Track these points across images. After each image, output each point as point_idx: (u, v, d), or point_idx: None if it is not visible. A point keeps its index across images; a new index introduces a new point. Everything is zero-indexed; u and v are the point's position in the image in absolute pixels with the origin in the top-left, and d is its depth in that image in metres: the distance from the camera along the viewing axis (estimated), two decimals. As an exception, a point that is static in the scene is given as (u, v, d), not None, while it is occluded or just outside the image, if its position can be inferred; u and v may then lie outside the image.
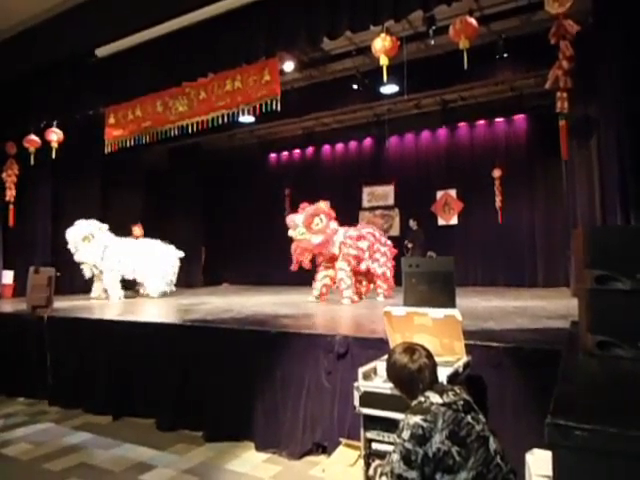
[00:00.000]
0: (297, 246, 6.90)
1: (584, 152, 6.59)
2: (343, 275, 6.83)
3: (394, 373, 2.11)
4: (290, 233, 6.94)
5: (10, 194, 8.86)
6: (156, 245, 9.16)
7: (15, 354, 5.49)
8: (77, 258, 8.17)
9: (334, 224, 6.94)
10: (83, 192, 10.27)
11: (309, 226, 6.67)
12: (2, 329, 5.77)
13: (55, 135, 8.40)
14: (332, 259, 7.01)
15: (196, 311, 5.96)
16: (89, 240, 8.11)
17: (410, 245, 9.69)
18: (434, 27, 6.56)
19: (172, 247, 9.28)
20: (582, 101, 6.35)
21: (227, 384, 4.01)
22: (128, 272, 8.54)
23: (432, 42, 6.94)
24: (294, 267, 7.09)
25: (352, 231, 7.18)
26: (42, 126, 8.43)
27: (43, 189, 9.69)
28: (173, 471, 3.35)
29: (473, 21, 5.55)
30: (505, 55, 7.50)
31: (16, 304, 7.00)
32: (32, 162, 8.51)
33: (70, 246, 8.17)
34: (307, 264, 7.05)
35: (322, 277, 7.20)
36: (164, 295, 8.90)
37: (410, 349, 2.11)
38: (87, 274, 8.44)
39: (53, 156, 8.49)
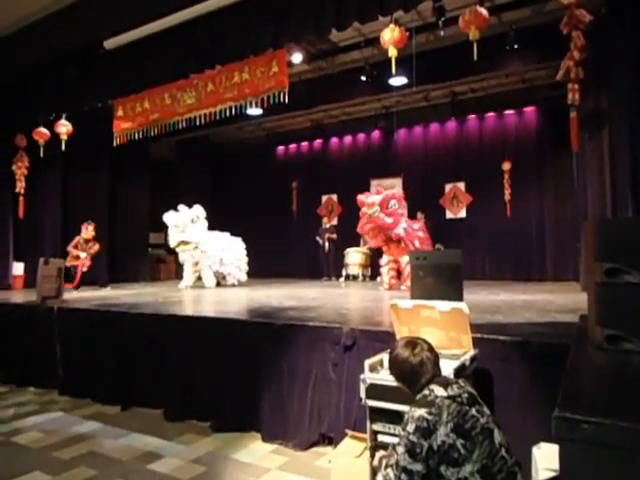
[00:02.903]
0: (368, 222, 7.32)
1: (595, 144, 6.51)
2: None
3: (396, 367, 2.11)
4: (364, 210, 7.37)
5: (20, 186, 8.94)
6: (229, 237, 9.56)
7: (25, 344, 5.56)
8: (181, 238, 8.46)
9: (401, 209, 7.56)
10: (92, 184, 10.36)
11: (385, 207, 7.20)
12: (13, 319, 5.85)
13: (64, 127, 8.45)
14: (397, 243, 7.47)
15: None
16: (195, 222, 8.62)
17: None
18: (444, 18, 6.49)
19: (239, 239, 9.75)
20: (594, 92, 6.25)
21: (234, 375, 4.04)
22: (217, 263, 8.92)
23: (442, 33, 6.86)
24: (376, 244, 7.77)
25: (409, 222, 7.94)
26: (51, 119, 8.48)
27: (53, 181, 9.77)
28: (180, 461, 3.38)
29: (483, 11, 5.48)
30: (516, 46, 7.41)
31: (26, 295, 7.08)
32: (42, 154, 8.57)
33: (173, 228, 8.54)
34: (378, 244, 7.69)
35: (387, 270, 7.70)
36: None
37: (411, 343, 2.11)
38: (185, 258, 8.78)
39: (62, 148, 8.54)
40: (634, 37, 5.29)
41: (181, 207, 8.79)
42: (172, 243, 8.67)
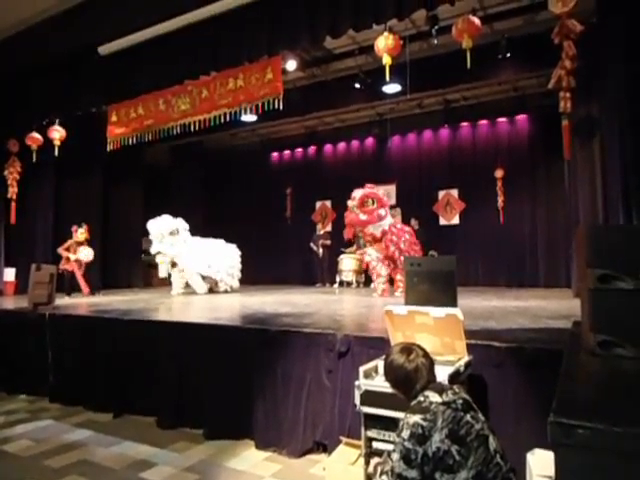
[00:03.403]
0: (347, 216, 7.58)
1: (587, 152, 6.58)
2: (377, 264, 7.52)
3: (391, 373, 2.11)
4: (348, 202, 7.61)
5: (12, 191, 8.88)
6: (222, 244, 9.52)
7: (16, 351, 5.50)
8: (158, 249, 8.43)
9: (383, 211, 7.60)
10: (85, 190, 10.31)
11: (362, 204, 7.39)
12: (4, 326, 5.78)
13: (57, 133, 8.41)
14: (379, 244, 7.54)
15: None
16: (174, 234, 8.53)
17: None
18: (437, 26, 6.57)
19: (234, 246, 9.70)
20: (585, 101, 6.33)
21: (227, 382, 4.01)
22: (204, 269, 8.85)
23: (435, 41, 6.93)
24: (346, 235, 8.13)
25: (397, 224, 8.05)
26: (44, 124, 8.44)
27: (45, 187, 9.72)
28: (173, 469, 3.35)
29: (476, 20, 5.55)
30: (508, 55, 7.49)
31: (18, 301, 7.01)
32: (34, 160, 8.52)
33: (152, 237, 8.50)
34: (349, 236, 8.06)
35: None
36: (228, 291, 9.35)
37: (407, 349, 2.11)
38: (162, 269, 8.72)
39: (55, 154, 8.50)
40: (625, 46, 5.37)
41: (165, 216, 8.68)
42: (152, 251, 8.66)
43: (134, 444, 3.82)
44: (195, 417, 4.12)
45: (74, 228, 8.68)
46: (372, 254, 7.57)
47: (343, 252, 10.32)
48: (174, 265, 8.65)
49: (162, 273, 8.78)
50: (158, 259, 8.62)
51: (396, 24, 6.05)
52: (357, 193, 7.53)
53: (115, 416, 4.51)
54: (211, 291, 9.22)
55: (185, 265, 8.64)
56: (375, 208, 7.47)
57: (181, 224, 8.77)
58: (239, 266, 9.73)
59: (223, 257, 9.28)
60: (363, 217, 7.35)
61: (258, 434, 3.76)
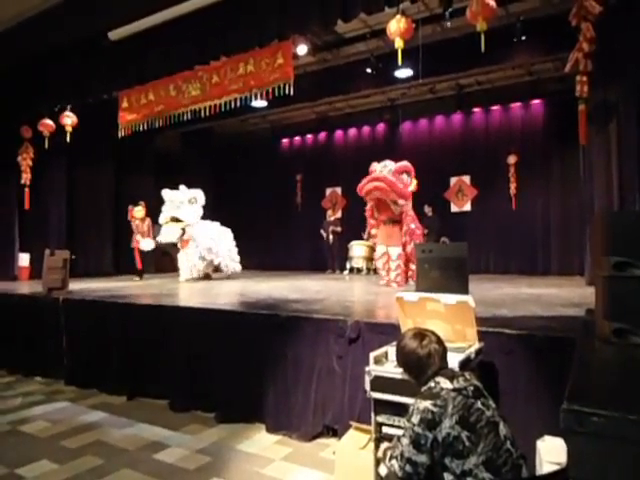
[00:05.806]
0: (375, 179, 6.83)
1: (603, 138, 6.44)
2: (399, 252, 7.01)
3: (403, 358, 2.11)
4: (374, 168, 7.13)
5: (26, 177, 8.95)
6: (221, 228, 9.41)
7: (32, 335, 5.61)
8: (175, 214, 8.40)
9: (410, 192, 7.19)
10: (97, 176, 10.39)
11: (398, 173, 6.98)
12: (19, 310, 5.89)
13: (69, 119, 8.43)
14: (391, 226, 7.07)
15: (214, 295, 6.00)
16: (192, 203, 8.57)
17: (426, 231, 9.60)
18: (450, 9, 6.42)
19: (228, 229, 9.55)
20: (602, 85, 6.17)
21: (239, 367, 4.05)
22: (205, 251, 8.76)
23: (448, 24, 6.79)
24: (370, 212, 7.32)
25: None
26: (56, 110, 8.47)
27: (58, 173, 9.80)
28: (186, 450, 3.41)
29: (491, 2, 5.40)
30: (523, 38, 7.32)
31: (32, 286, 7.12)
32: (47, 146, 8.58)
33: (167, 205, 8.51)
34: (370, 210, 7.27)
35: (382, 264, 7.22)
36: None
37: (420, 334, 2.11)
38: (174, 235, 8.51)
39: (67, 140, 8.54)
40: (644, 29, 5.23)
41: (182, 187, 8.74)
42: (161, 219, 8.48)
43: (147, 426, 3.89)
44: (207, 401, 4.18)
45: (130, 208, 8.89)
46: (393, 251, 7.03)
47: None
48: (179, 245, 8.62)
49: (167, 238, 8.51)
50: (167, 225, 8.43)
51: (409, 7, 5.94)
52: (387, 162, 7.15)
53: (129, 399, 4.59)
54: (216, 271, 9.20)
55: (195, 237, 8.57)
56: (408, 183, 7.13)
57: (200, 195, 8.78)
58: (235, 249, 9.54)
59: (222, 240, 9.12)
60: (399, 184, 6.81)
61: (269, 418, 3.81)
